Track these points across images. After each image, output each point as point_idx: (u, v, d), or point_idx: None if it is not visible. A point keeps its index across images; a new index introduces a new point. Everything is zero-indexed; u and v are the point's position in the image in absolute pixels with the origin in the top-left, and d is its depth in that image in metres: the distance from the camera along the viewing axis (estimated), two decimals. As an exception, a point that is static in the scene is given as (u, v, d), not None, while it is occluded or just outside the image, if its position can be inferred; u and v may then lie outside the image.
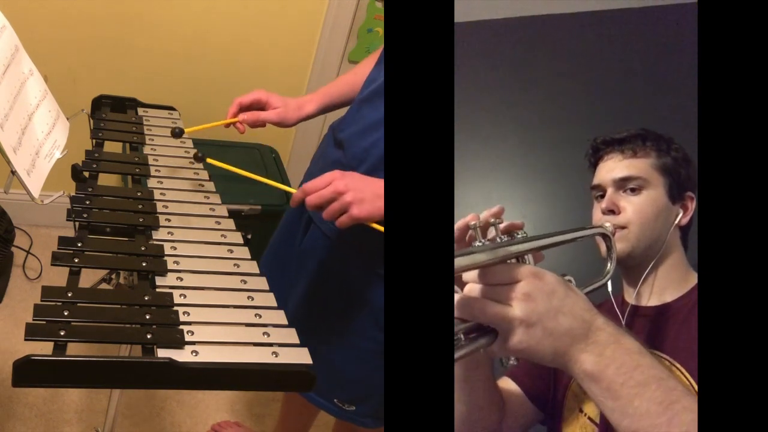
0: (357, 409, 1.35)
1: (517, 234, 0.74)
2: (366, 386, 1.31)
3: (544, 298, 0.63)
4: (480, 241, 0.72)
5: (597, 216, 1.01)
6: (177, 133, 1.21)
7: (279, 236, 1.45)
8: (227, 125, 1.24)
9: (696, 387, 0.82)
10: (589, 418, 0.91)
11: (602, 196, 1.01)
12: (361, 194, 1.01)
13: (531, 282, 0.64)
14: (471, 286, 0.66)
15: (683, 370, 0.85)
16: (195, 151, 1.22)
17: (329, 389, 1.34)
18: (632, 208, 0.97)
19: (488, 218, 0.75)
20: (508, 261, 0.68)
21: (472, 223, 0.73)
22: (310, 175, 1.36)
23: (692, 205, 1.01)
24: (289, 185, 2.14)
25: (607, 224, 0.95)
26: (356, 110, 1.22)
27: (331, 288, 1.27)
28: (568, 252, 0.85)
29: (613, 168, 1.01)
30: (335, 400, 1.35)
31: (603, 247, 0.96)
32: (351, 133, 1.20)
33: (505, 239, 0.72)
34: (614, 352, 0.63)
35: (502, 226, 0.74)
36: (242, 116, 1.24)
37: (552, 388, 1.02)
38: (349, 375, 1.31)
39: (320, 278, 1.27)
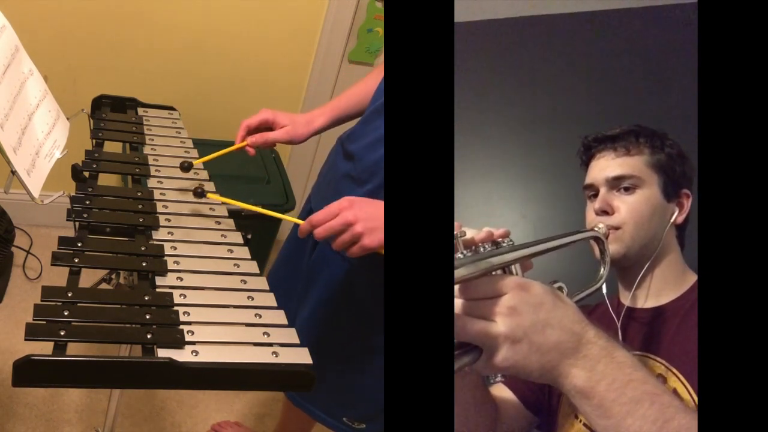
0: (367, 427, 1.33)
1: (503, 242, 0.71)
2: (377, 403, 1.29)
3: (531, 311, 0.60)
4: (462, 253, 0.68)
5: (590, 216, 0.99)
6: (185, 168, 1.17)
7: (286, 252, 1.43)
8: (237, 150, 1.23)
9: (692, 392, 0.81)
10: (585, 425, 0.90)
11: (595, 196, 0.99)
12: (372, 223, 0.97)
13: (516, 294, 0.61)
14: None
15: (679, 375, 0.83)
16: (197, 185, 1.16)
17: (338, 408, 1.33)
18: (626, 207, 0.95)
19: (495, 238, 0.72)
20: (493, 272, 0.65)
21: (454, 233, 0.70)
22: (318, 188, 1.34)
23: (688, 203, 0.99)
24: (290, 186, 2.14)
25: (601, 225, 0.93)
26: (367, 122, 1.20)
27: (340, 304, 1.25)
28: (561, 255, 0.84)
29: (605, 167, 0.98)
30: (344, 419, 1.33)
31: (597, 250, 0.94)
32: (362, 146, 1.18)
33: (489, 249, 0.69)
34: (606, 367, 0.61)
35: (480, 236, 0.72)
36: (250, 139, 1.21)
37: (547, 393, 1.00)
38: (360, 392, 1.29)
39: (329, 294, 1.26)
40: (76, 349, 0.77)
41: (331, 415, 1.34)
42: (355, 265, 1.20)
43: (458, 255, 0.68)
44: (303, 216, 1.36)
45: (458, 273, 0.62)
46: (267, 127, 1.24)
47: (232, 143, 1.25)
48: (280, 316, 0.93)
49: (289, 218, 1.13)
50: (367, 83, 1.31)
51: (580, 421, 0.91)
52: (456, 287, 0.63)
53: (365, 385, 1.28)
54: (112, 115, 1.33)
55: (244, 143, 1.22)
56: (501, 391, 1.02)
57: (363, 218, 0.98)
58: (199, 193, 1.11)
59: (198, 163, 1.20)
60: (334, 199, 1.22)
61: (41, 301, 0.85)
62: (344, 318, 1.26)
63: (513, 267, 0.69)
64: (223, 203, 1.13)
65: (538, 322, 0.60)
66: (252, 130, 1.24)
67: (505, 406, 0.99)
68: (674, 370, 0.84)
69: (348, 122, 1.32)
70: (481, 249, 0.69)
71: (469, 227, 0.76)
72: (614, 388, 0.60)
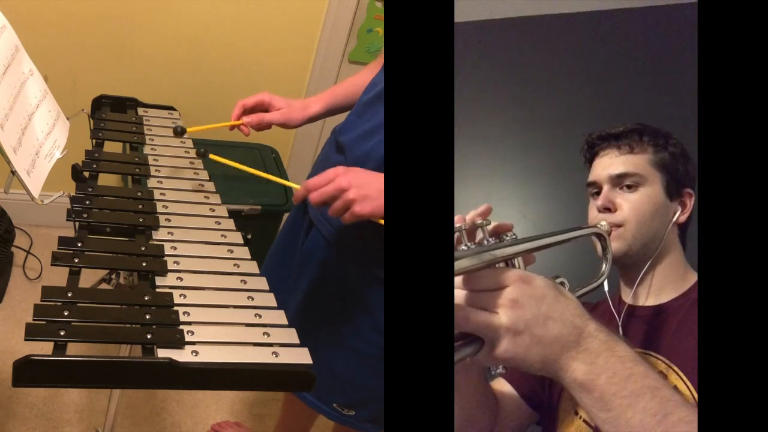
0: (356, 413, 1.34)
1: (506, 236, 0.72)
2: (365, 391, 1.30)
3: (533, 303, 0.61)
4: (466, 245, 0.69)
5: (593, 214, 0.99)
6: (179, 132, 1.21)
7: (280, 241, 1.44)
8: (231, 128, 1.24)
9: (693, 389, 0.81)
10: (585, 421, 0.90)
11: (598, 194, 0.99)
12: (365, 191, 0.99)
13: (518, 287, 0.61)
14: (455, 292, 0.64)
15: (680, 373, 0.84)
16: (196, 150, 1.22)
17: (329, 393, 1.33)
18: (629, 205, 0.95)
19: (474, 219, 0.73)
20: (496, 265, 0.66)
21: (458, 225, 0.70)
22: None
23: (690, 202, 0.99)
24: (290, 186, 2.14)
25: (603, 222, 0.93)
26: (358, 114, 1.21)
27: (330, 290, 1.26)
28: (563, 251, 0.84)
29: (608, 164, 0.99)
30: (334, 405, 1.34)
31: (599, 247, 0.95)
32: (352, 137, 1.19)
33: (493, 242, 0.69)
34: (606, 361, 0.61)
35: (489, 227, 0.72)
36: (246, 118, 1.23)
37: (547, 389, 1.00)
38: (349, 379, 1.30)
39: (320, 281, 1.27)
40: (76, 349, 0.77)
41: (321, 401, 1.35)
42: (345, 254, 1.21)
43: (462, 247, 0.69)
44: (298, 210, 1.37)
45: (461, 264, 0.62)
46: (262, 108, 1.25)
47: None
48: (280, 316, 0.93)
49: (285, 182, 1.14)
50: (364, 74, 1.31)
51: (580, 417, 0.91)
52: (459, 278, 0.64)
53: (356, 372, 1.29)
54: (112, 115, 1.33)
55: (240, 122, 1.23)
56: (501, 385, 1.02)
57: (356, 185, 1.00)
58: (203, 153, 1.15)
59: (191, 131, 1.21)
60: None
61: (41, 301, 0.84)
62: (335, 305, 1.27)
63: (516, 260, 0.70)
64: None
65: (540, 314, 0.61)
66: (248, 111, 1.25)
67: (505, 401, 1.00)
68: (675, 368, 0.85)
69: (343, 113, 1.33)
70: (485, 242, 0.70)
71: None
72: (615, 382, 0.60)
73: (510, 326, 0.60)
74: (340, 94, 1.32)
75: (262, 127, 1.26)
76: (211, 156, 1.15)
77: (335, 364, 1.28)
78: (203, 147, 1.19)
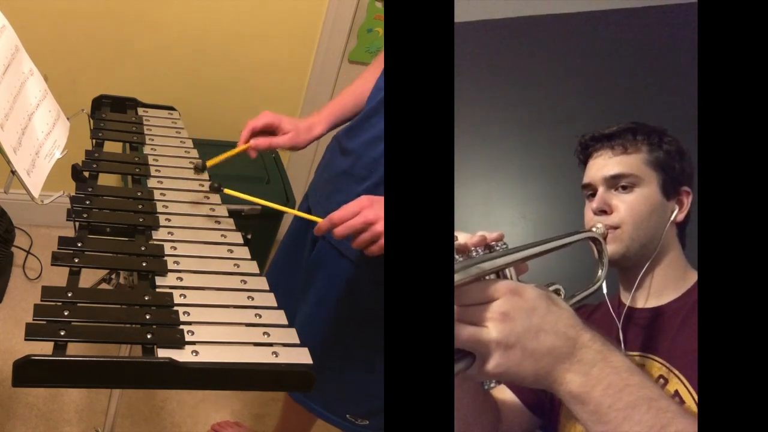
0: (370, 423, 1.34)
1: (496, 246, 0.70)
2: (379, 400, 1.29)
3: (524, 316, 0.59)
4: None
5: (588, 216, 0.98)
6: (200, 169, 1.19)
7: (283, 252, 1.43)
8: (241, 152, 1.24)
9: (694, 394, 0.80)
10: None
11: (593, 195, 0.98)
12: None
13: (508, 299, 0.59)
14: None
15: (681, 377, 0.82)
16: (210, 183, 1.21)
17: (341, 406, 1.33)
18: (625, 206, 0.94)
19: (489, 242, 0.71)
20: (487, 277, 0.64)
21: None
22: (315, 186, 1.35)
23: (688, 201, 0.98)
24: (290, 186, 2.14)
25: (599, 225, 0.92)
26: (365, 119, 1.20)
27: (340, 301, 1.25)
28: (560, 254, 0.83)
29: (603, 165, 0.97)
30: (347, 416, 1.34)
31: (595, 251, 0.94)
32: (360, 143, 1.19)
33: (482, 253, 0.68)
34: (601, 372, 0.59)
35: (473, 241, 0.70)
36: (254, 142, 1.23)
37: (549, 395, 0.99)
38: (362, 389, 1.30)
39: (329, 292, 1.26)
40: (76, 349, 0.77)
41: (333, 412, 1.34)
42: (355, 262, 1.20)
43: None
44: (301, 219, 1.36)
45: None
46: (271, 130, 1.25)
47: (233, 143, 1.25)
48: (280, 316, 0.93)
49: (308, 216, 1.14)
50: (360, 84, 1.31)
51: (582, 422, 0.91)
52: None
53: (369, 382, 1.28)
54: (112, 115, 1.33)
55: (248, 145, 1.22)
56: (502, 392, 1.01)
57: (384, 217, 0.98)
58: (216, 188, 1.13)
59: (209, 165, 1.20)
60: (333, 197, 1.22)
61: (41, 301, 0.85)
62: (346, 315, 1.26)
63: (507, 271, 0.68)
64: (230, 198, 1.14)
65: (531, 327, 0.59)
66: (256, 132, 1.24)
67: (506, 408, 0.99)
68: (676, 372, 0.83)
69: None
70: (474, 254, 0.68)
71: (467, 228, 0.76)
72: (610, 393, 0.59)
73: (500, 340, 0.58)
74: (339, 113, 1.31)
75: (270, 149, 1.26)
76: (226, 191, 1.13)
77: (347, 374, 1.27)
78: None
